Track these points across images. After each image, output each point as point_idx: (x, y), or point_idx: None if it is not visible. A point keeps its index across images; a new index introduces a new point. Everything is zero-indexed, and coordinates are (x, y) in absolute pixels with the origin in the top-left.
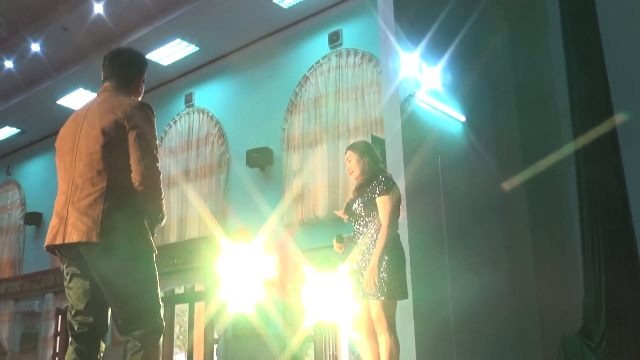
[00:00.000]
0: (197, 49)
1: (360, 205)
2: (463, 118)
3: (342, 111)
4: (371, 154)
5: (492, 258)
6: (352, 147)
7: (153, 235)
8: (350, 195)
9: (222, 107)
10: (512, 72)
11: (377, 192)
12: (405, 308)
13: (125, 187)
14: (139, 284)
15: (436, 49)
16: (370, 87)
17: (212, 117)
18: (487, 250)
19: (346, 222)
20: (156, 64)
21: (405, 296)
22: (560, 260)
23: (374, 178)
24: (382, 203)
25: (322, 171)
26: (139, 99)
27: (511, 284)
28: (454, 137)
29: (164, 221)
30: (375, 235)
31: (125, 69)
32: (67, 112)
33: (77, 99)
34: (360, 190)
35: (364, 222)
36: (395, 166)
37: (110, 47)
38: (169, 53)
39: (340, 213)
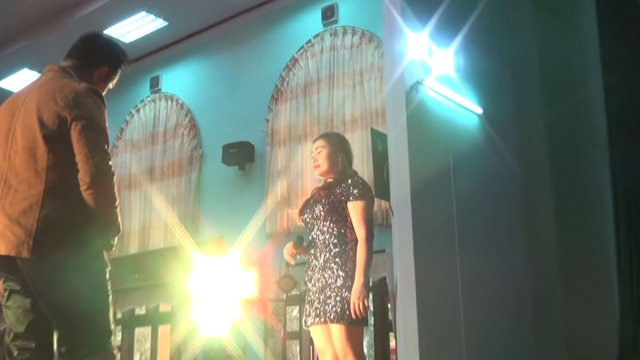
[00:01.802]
0: (166, 24)
1: (327, 207)
2: (479, 110)
3: (336, 100)
4: (346, 150)
5: (513, 273)
6: (325, 137)
7: (110, 249)
8: (310, 195)
9: (195, 93)
10: (537, 54)
11: (352, 195)
12: (409, 334)
13: (69, 191)
14: (85, 305)
15: (448, 28)
16: (370, 72)
17: (182, 105)
18: (507, 264)
19: (299, 224)
20: (117, 41)
21: (367, 323)
22: (593, 277)
23: (347, 179)
24: (358, 209)
25: (311, 171)
26: None
27: (535, 307)
28: (469, 131)
29: (118, 233)
30: (336, 246)
31: (91, 54)
32: (8, 97)
33: (22, 81)
34: (327, 190)
35: (326, 228)
36: (400, 165)
37: (61, 19)
38: (132, 28)
39: (294, 213)
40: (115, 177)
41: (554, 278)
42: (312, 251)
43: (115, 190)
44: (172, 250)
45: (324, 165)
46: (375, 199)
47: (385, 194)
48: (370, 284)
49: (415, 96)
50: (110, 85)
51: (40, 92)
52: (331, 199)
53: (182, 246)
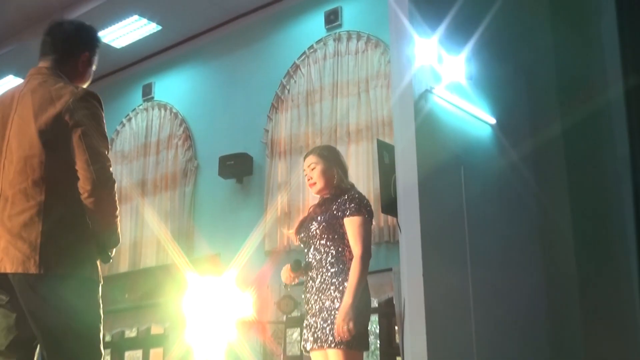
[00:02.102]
0: (159, 28)
1: (323, 224)
2: (492, 120)
3: (340, 109)
4: (340, 163)
5: (528, 293)
6: (316, 152)
7: (108, 262)
8: (307, 212)
9: (190, 101)
10: (554, 61)
11: (349, 210)
12: (417, 359)
13: (70, 200)
14: (79, 324)
15: (459, 33)
16: (376, 79)
17: (176, 115)
18: (522, 284)
19: (297, 245)
20: (107, 47)
21: (367, 347)
22: (614, 298)
23: (343, 193)
24: (355, 225)
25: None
26: (84, 86)
27: (551, 329)
28: (482, 143)
29: (118, 244)
30: (333, 266)
31: (67, 44)
32: None
33: (6, 88)
34: (323, 207)
35: (322, 246)
36: (408, 180)
37: (48, 23)
38: (124, 33)
39: (291, 233)
40: (115, 185)
41: (572, 298)
42: (310, 272)
43: (116, 198)
44: (164, 268)
45: (320, 183)
46: (382, 215)
47: (392, 209)
48: (376, 304)
49: (425, 105)
50: (94, 67)
51: (35, 97)
52: (327, 216)
53: (176, 264)
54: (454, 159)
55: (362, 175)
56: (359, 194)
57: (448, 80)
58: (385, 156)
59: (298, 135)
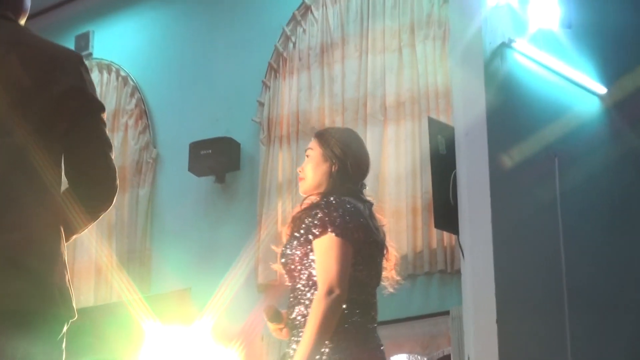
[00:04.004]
0: None
1: (295, 250)
2: (602, 89)
3: (372, 73)
4: (347, 156)
5: None
6: (320, 135)
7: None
8: (287, 231)
9: (146, 61)
10: None
11: (314, 227)
12: None
13: (56, 198)
14: None
15: None
16: (426, 27)
17: (125, 79)
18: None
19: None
20: None
21: None
22: None
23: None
24: (318, 250)
25: None
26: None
27: None
28: (585, 123)
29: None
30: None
31: None
32: None
33: None
34: (295, 223)
35: (297, 276)
36: (475, 179)
37: None
38: None
39: (276, 266)
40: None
41: None
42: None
43: None
44: (107, 310)
45: (308, 180)
46: (434, 231)
47: (449, 223)
48: None
49: (500, 67)
50: None
51: (16, 58)
52: (299, 236)
53: (125, 305)
54: (544, 147)
55: (404, 171)
56: (336, 199)
57: (535, 29)
58: (441, 143)
59: (308, 111)
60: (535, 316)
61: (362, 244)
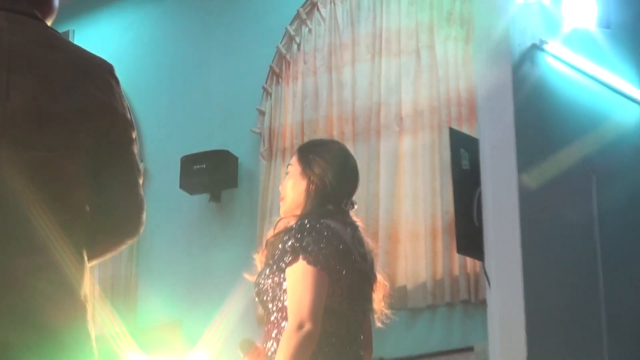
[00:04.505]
0: None
1: (267, 279)
2: None
3: (386, 77)
4: (335, 172)
5: None
6: (302, 150)
7: None
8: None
9: (132, 63)
10: None
11: (287, 255)
12: None
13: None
14: None
15: None
16: (446, 26)
17: None
18: None
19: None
20: None
21: None
22: None
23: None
24: (289, 278)
25: None
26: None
27: None
28: (626, 133)
29: None
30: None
31: None
32: None
33: None
34: (268, 249)
35: (269, 307)
36: (502, 197)
37: None
38: None
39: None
40: None
41: None
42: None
43: None
44: (88, 344)
45: (287, 199)
46: (456, 256)
47: (473, 247)
48: None
49: (530, 71)
50: None
51: (52, 57)
52: (272, 263)
53: (108, 338)
54: (580, 162)
55: (422, 188)
56: (311, 222)
57: (569, 29)
58: (464, 157)
59: (314, 120)
60: (571, 353)
61: (341, 273)
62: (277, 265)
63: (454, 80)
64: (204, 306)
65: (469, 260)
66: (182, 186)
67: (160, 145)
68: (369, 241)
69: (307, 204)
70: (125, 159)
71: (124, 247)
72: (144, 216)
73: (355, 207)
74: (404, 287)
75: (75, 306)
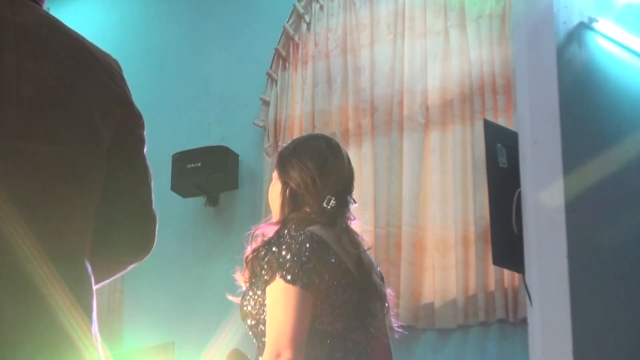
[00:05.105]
0: None
1: (250, 301)
2: None
3: (410, 61)
4: (314, 167)
5: None
6: (280, 151)
7: None
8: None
9: (117, 46)
10: None
11: (266, 272)
12: None
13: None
14: None
15: None
16: (480, 2)
17: None
18: None
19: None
20: None
21: None
22: None
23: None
24: (271, 300)
25: (357, 206)
26: None
27: None
28: None
29: None
30: None
31: None
32: None
33: None
34: (251, 263)
35: (252, 329)
36: (546, 192)
37: None
38: None
39: None
40: None
41: None
42: None
43: None
44: None
45: (270, 205)
46: (492, 268)
47: (511, 257)
48: None
49: (578, 54)
50: None
51: (59, 40)
52: (254, 281)
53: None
54: (637, 159)
55: (452, 190)
56: (291, 233)
57: (622, 5)
58: (500, 153)
59: (327, 111)
60: None
61: (330, 289)
62: (258, 284)
63: (489, 64)
64: (200, 326)
65: (506, 273)
66: (173, 188)
67: (149, 141)
68: (364, 239)
69: (283, 210)
70: (140, 161)
71: (129, 269)
72: (156, 233)
73: (354, 205)
74: (431, 305)
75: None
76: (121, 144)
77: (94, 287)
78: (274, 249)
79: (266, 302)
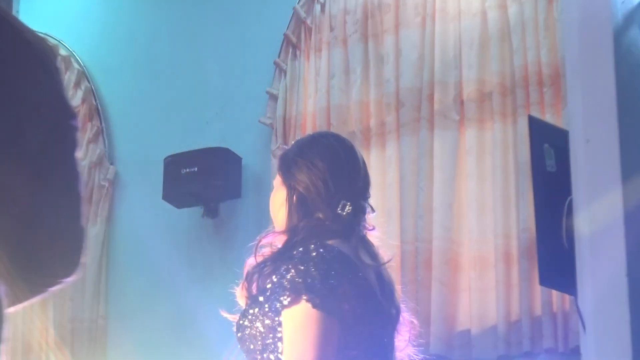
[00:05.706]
0: None
1: (255, 322)
2: None
3: (442, 49)
4: (325, 169)
5: None
6: (282, 154)
7: None
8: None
9: (98, 34)
10: None
11: (286, 293)
12: None
13: None
14: None
15: None
16: None
17: (68, 60)
18: None
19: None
20: None
21: None
22: None
23: (299, 246)
24: (292, 326)
25: (379, 217)
26: None
27: None
28: None
29: None
30: None
31: None
32: None
33: None
34: (261, 279)
35: (251, 355)
36: (601, 201)
37: None
38: None
39: None
40: None
41: None
42: None
43: None
44: None
45: (273, 217)
46: (538, 288)
47: (561, 276)
48: None
49: (638, 38)
50: None
51: None
52: (263, 301)
53: None
54: None
55: (491, 197)
56: (318, 249)
57: None
58: (548, 155)
59: (345, 106)
60: None
61: (359, 318)
62: (270, 304)
63: (534, 51)
64: (197, 357)
65: (555, 295)
66: (165, 197)
67: (137, 142)
68: (381, 254)
69: (291, 219)
70: (72, 169)
71: (51, 289)
72: (84, 250)
73: (373, 214)
74: (467, 332)
75: None
76: (53, 148)
77: (5, 311)
78: (300, 267)
79: (281, 327)
